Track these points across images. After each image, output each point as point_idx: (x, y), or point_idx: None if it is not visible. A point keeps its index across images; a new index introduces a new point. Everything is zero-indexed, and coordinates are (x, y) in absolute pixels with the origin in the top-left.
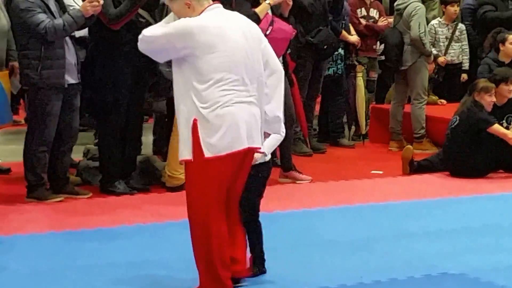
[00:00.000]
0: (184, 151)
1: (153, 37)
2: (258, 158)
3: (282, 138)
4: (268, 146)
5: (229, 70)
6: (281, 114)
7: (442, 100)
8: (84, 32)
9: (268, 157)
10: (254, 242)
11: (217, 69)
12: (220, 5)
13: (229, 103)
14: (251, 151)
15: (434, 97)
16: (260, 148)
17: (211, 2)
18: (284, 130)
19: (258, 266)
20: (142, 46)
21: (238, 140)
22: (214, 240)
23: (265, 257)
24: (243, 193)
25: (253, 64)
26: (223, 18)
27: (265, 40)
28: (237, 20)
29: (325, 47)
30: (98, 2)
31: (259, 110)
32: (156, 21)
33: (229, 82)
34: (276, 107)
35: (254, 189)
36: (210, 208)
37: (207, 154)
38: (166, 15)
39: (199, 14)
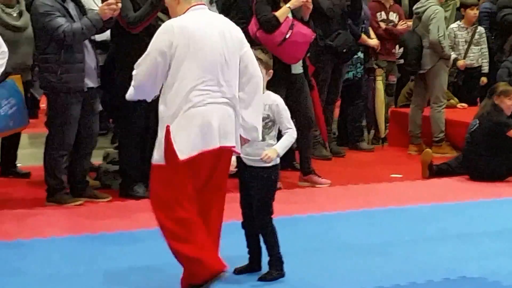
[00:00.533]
0: (156, 156)
1: (140, 64)
2: (272, 159)
3: (294, 140)
4: (281, 147)
5: (203, 71)
6: (258, 124)
7: (464, 104)
8: (106, 36)
9: (278, 160)
10: (272, 244)
11: (191, 70)
12: (204, 6)
13: (202, 103)
14: (225, 150)
15: (454, 100)
16: (234, 147)
17: (198, 2)
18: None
19: (276, 268)
20: (134, 83)
21: (210, 139)
22: (189, 236)
23: (283, 260)
24: (257, 196)
25: (230, 66)
26: (204, 19)
27: (247, 46)
28: (217, 22)
29: (344, 50)
30: (116, 5)
31: (234, 111)
32: None
33: (203, 82)
34: (254, 116)
35: (268, 191)
36: (182, 208)
37: (181, 156)
38: None
39: (184, 12)
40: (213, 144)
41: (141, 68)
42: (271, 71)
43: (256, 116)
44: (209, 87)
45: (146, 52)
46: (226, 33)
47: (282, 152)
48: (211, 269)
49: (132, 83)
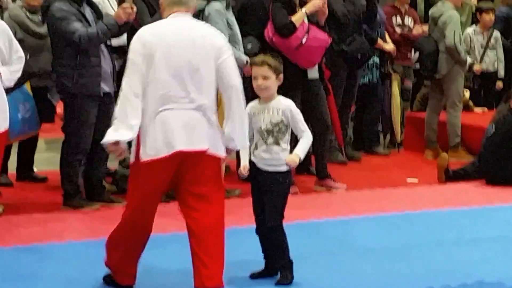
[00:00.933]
0: (131, 154)
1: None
2: (296, 164)
3: (311, 141)
4: (301, 151)
5: (170, 77)
6: (235, 133)
7: (484, 108)
8: (122, 41)
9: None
10: (282, 248)
11: (159, 76)
12: (183, 14)
13: (167, 109)
14: (195, 155)
15: (471, 104)
16: (207, 149)
17: (181, 9)
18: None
19: (287, 273)
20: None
21: (172, 144)
22: (133, 238)
23: (299, 265)
24: (272, 201)
25: (200, 73)
26: (177, 26)
27: (227, 54)
28: (192, 30)
29: (358, 56)
30: (132, 9)
31: (204, 117)
32: None
33: (169, 89)
34: (230, 126)
35: (283, 196)
36: (134, 209)
37: (142, 158)
38: None
39: (166, 18)
40: (175, 148)
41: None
42: (281, 75)
43: (232, 126)
44: (176, 93)
45: (127, 64)
46: (199, 40)
47: (303, 155)
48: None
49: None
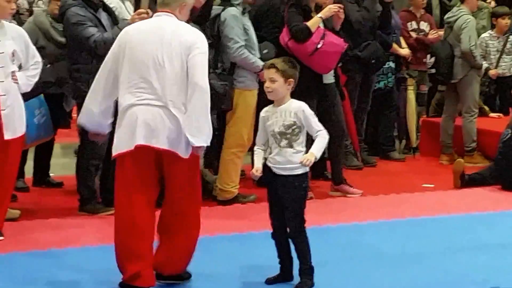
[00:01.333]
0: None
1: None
2: (312, 162)
3: (327, 140)
4: (317, 150)
5: (136, 74)
6: (188, 131)
7: (500, 114)
8: None
9: (307, 168)
10: (305, 253)
11: (126, 72)
12: (165, 14)
13: (133, 105)
14: (162, 153)
15: (486, 109)
16: (170, 150)
17: (164, 9)
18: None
19: (308, 278)
20: None
21: (135, 138)
22: (121, 232)
23: (315, 270)
24: (290, 206)
25: (167, 70)
26: (151, 24)
27: (196, 51)
28: (163, 27)
29: (373, 61)
30: (147, 13)
31: (170, 113)
32: (206, 35)
33: (135, 85)
34: (186, 123)
35: (301, 200)
36: (122, 202)
37: (114, 153)
38: (217, 28)
39: None
40: (135, 143)
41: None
42: (291, 80)
43: (187, 122)
44: (141, 89)
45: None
46: (167, 37)
47: (318, 154)
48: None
49: None
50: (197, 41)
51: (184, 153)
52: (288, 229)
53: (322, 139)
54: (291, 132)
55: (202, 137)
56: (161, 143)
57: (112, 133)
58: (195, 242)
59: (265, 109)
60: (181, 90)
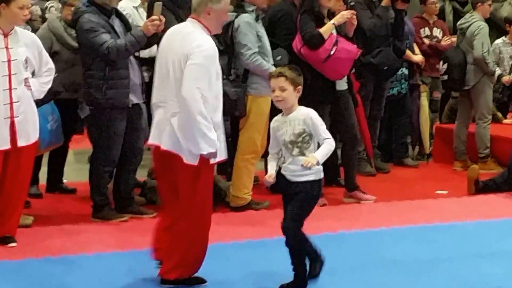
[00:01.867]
0: None
1: None
2: (313, 165)
3: (333, 148)
4: (320, 154)
5: (156, 76)
6: (184, 142)
7: None
8: (152, 53)
9: (321, 175)
10: (298, 256)
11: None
12: (189, 19)
13: (154, 106)
14: (163, 151)
15: (499, 115)
16: (169, 151)
17: (192, 15)
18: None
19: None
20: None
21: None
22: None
23: (328, 277)
24: (295, 207)
25: (169, 77)
26: (172, 30)
27: (191, 61)
28: (175, 35)
29: (385, 68)
30: (160, 20)
31: (171, 119)
32: (220, 42)
33: (155, 88)
34: (181, 134)
35: (308, 205)
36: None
37: None
38: (231, 35)
39: None
40: (148, 141)
41: None
42: (300, 87)
43: (182, 133)
44: (158, 94)
45: None
46: (175, 43)
47: (321, 159)
48: None
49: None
50: (194, 51)
51: (186, 158)
52: (282, 228)
53: (327, 145)
54: (302, 140)
55: (198, 146)
56: (164, 145)
57: (125, 138)
58: (186, 238)
59: (275, 118)
60: (180, 96)
